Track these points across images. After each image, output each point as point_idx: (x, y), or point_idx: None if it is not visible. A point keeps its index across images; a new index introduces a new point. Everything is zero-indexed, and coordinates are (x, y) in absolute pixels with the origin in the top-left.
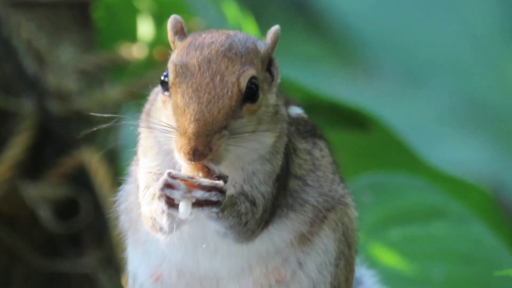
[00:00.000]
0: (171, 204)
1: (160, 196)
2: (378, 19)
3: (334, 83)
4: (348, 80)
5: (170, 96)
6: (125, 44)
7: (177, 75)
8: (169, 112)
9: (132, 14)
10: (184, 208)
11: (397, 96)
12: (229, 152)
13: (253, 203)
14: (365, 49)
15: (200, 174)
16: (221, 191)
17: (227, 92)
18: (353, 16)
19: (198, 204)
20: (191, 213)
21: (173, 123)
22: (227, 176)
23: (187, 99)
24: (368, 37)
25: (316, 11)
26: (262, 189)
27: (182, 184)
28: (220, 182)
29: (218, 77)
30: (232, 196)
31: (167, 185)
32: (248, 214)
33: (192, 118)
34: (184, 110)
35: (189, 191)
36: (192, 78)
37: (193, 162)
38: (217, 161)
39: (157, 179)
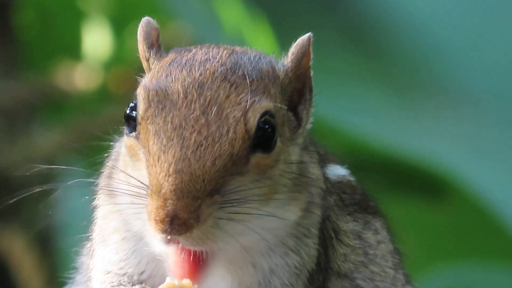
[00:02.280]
0: None
1: None
2: (468, 26)
3: (393, 125)
4: (414, 121)
5: (138, 138)
6: (64, 65)
7: (150, 105)
8: (139, 164)
9: (75, 18)
10: None
11: (491, 147)
12: (227, 231)
13: None
14: (444, 72)
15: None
16: None
17: (228, 132)
18: (424, 18)
19: None
20: None
21: (144, 179)
22: None
23: (164, 141)
24: (450, 53)
25: (360, 12)
26: None
27: None
28: None
29: (214, 110)
30: None
31: None
32: None
33: (171, 169)
34: (159, 158)
35: None
36: (174, 110)
37: (170, 240)
38: (206, 242)
39: (119, 283)
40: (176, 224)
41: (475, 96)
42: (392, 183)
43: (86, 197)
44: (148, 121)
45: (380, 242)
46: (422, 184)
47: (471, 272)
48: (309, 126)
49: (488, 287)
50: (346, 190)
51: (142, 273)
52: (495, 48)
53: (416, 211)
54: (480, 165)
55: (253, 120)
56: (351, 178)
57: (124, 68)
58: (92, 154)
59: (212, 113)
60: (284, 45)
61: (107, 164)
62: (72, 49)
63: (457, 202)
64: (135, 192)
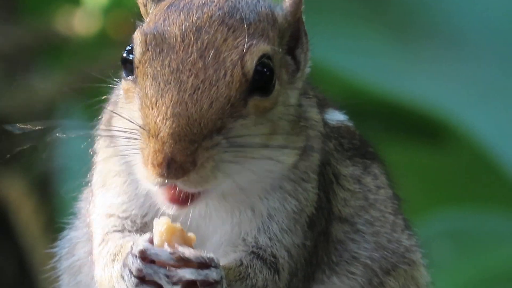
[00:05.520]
0: None
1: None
2: None
3: (392, 69)
4: (413, 65)
5: (136, 81)
6: (64, 11)
7: (147, 48)
8: (135, 107)
9: None
10: None
11: (491, 90)
12: (225, 173)
13: (273, 268)
14: (443, 14)
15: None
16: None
17: (225, 75)
18: None
19: None
20: None
21: (140, 121)
22: (212, 259)
23: (162, 84)
24: None
25: None
26: (287, 240)
27: (162, 274)
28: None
29: (212, 53)
30: (240, 264)
31: (142, 278)
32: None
33: (168, 112)
34: (157, 101)
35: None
36: (171, 54)
37: (166, 186)
38: (203, 186)
39: (122, 227)
40: (173, 167)
41: (474, 38)
42: (390, 128)
43: (85, 142)
44: (146, 64)
45: (380, 187)
46: (420, 128)
47: (470, 216)
48: (307, 70)
49: (487, 231)
50: (345, 135)
51: (145, 215)
52: None
53: (414, 156)
54: (479, 109)
55: (251, 63)
56: (350, 124)
57: (123, 13)
58: (92, 98)
59: (209, 56)
60: None
61: (106, 108)
62: None
63: (455, 146)
64: (131, 134)
